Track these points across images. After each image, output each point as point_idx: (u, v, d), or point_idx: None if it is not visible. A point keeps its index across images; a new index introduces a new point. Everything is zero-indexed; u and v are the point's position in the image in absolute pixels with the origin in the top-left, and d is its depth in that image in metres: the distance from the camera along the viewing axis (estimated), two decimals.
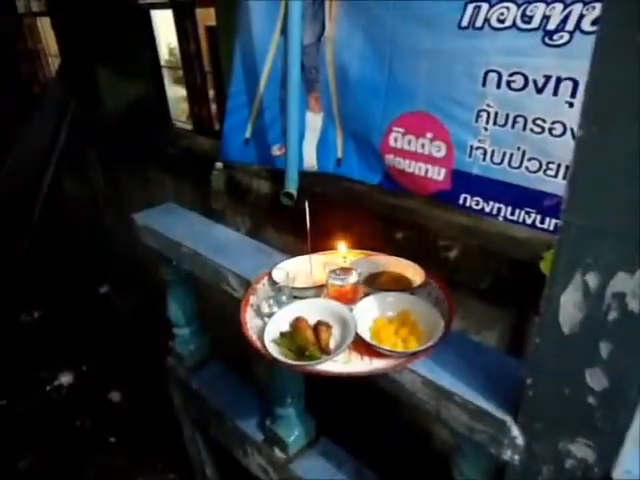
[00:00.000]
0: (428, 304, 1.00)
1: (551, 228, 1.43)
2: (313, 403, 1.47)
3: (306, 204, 1.10)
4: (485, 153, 1.50)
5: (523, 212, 1.48)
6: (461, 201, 1.61)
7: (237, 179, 2.29)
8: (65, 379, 3.12)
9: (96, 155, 3.59)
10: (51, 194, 3.71)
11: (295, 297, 1.09)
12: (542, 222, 1.45)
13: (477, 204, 1.56)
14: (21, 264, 3.64)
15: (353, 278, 1.02)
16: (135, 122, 3.18)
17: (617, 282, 0.58)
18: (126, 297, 3.86)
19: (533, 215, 1.46)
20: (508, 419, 0.79)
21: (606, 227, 0.58)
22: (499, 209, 1.53)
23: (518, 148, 1.42)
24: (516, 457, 0.80)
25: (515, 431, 0.79)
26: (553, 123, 1.29)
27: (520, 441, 0.79)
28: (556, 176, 1.38)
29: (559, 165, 1.37)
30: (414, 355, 0.88)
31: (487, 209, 1.56)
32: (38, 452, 2.60)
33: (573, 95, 1.23)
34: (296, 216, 1.34)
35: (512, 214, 1.50)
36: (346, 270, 1.05)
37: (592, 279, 0.60)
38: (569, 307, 0.64)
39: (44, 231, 3.82)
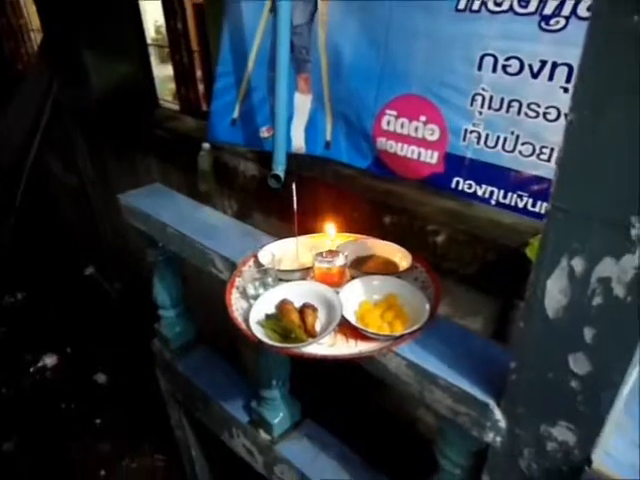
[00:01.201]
0: (414, 288, 1.00)
1: (542, 212, 1.44)
2: (299, 385, 1.47)
3: (293, 186, 1.09)
4: (479, 137, 1.50)
5: (515, 196, 1.48)
6: (454, 185, 1.61)
7: (224, 161, 2.26)
8: (49, 361, 3.09)
9: (81, 135, 3.51)
10: (35, 176, 3.63)
11: (281, 280, 1.09)
12: (534, 206, 1.46)
13: (470, 188, 1.56)
14: (4, 245, 3.58)
15: (340, 261, 1.01)
16: (120, 101, 3.12)
17: (603, 267, 0.58)
18: (112, 279, 3.82)
19: (525, 199, 1.46)
20: (491, 402, 0.79)
21: (594, 212, 0.57)
22: (491, 193, 1.53)
23: (512, 132, 1.42)
24: (498, 439, 0.81)
25: (498, 414, 0.79)
26: (547, 108, 1.30)
27: (502, 424, 0.79)
28: (549, 160, 1.39)
29: (552, 149, 1.37)
30: (400, 338, 0.88)
31: (479, 193, 1.56)
32: (22, 434, 2.59)
33: (568, 80, 1.23)
34: (284, 199, 1.33)
35: (504, 198, 1.51)
36: (333, 253, 1.04)
37: (578, 264, 0.60)
38: (554, 292, 0.64)
39: (28, 213, 3.76)
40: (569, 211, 0.60)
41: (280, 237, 1.25)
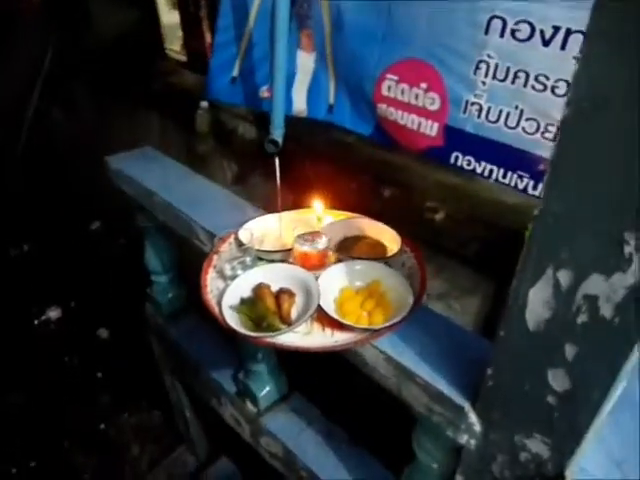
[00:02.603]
0: (399, 276, 0.94)
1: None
2: (287, 358, 1.45)
3: (276, 161, 1.02)
4: (480, 110, 1.39)
5: (516, 176, 1.39)
6: (452, 159, 1.52)
7: (223, 121, 2.18)
8: (53, 314, 3.13)
9: (84, 87, 3.41)
10: (38, 127, 3.57)
11: (263, 260, 1.04)
12: (535, 188, 1.37)
13: (468, 164, 1.47)
14: (8, 196, 3.57)
15: (322, 244, 0.96)
16: (123, 50, 2.99)
17: (590, 284, 0.52)
18: (117, 234, 3.81)
19: (526, 180, 1.37)
20: (466, 405, 0.75)
21: (587, 221, 0.51)
22: (491, 171, 1.44)
23: (516, 107, 1.32)
24: (472, 442, 0.78)
25: (473, 418, 0.75)
26: (557, 81, 1.18)
27: (477, 428, 0.76)
28: (555, 140, 1.29)
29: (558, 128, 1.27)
30: (377, 332, 0.84)
31: (478, 170, 1.47)
32: (27, 386, 2.65)
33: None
34: (283, 163, 1.27)
35: (504, 177, 1.42)
36: (315, 234, 0.98)
37: (564, 277, 0.54)
38: (537, 303, 0.58)
39: (32, 165, 3.72)
40: (560, 216, 0.53)
41: (276, 205, 1.19)
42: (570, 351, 0.57)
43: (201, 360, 1.63)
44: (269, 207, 1.81)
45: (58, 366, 2.79)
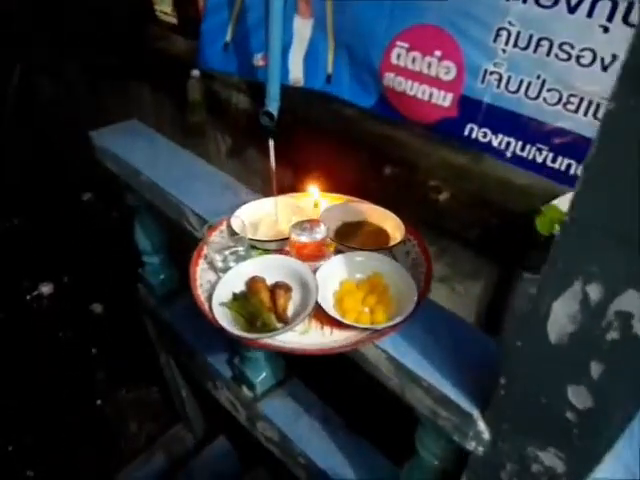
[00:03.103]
0: (403, 270, 0.88)
1: (562, 168, 1.29)
2: None
3: (271, 143, 0.94)
4: (500, 79, 1.31)
5: (534, 149, 1.33)
6: (467, 132, 1.44)
7: (215, 90, 2.06)
8: (45, 289, 3.08)
9: (71, 54, 3.25)
10: (24, 100, 3.42)
11: (256, 248, 0.97)
12: (554, 161, 1.31)
13: (484, 137, 1.40)
14: None
15: (320, 234, 0.89)
16: (109, 13, 2.83)
17: (624, 300, 0.46)
18: (110, 206, 3.72)
19: (544, 153, 1.31)
20: (475, 413, 0.71)
21: (622, 232, 0.44)
22: (508, 144, 1.38)
23: (538, 76, 1.24)
24: (480, 449, 0.73)
25: (481, 426, 0.71)
26: (582, 50, 1.11)
27: (486, 436, 0.71)
28: (576, 111, 1.22)
29: (581, 99, 1.20)
30: (380, 332, 0.78)
31: (494, 143, 1.40)
32: (20, 362, 2.62)
33: (610, 18, 1.03)
34: (280, 136, 1.19)
35: (522, 150, 1.35)
36: (313, 223, 0.92)
37: (595, 291, 0.48)
38: (561, 316, 0.52)
39: (21, 136, 3.59)
40: (591, 226, 0.46)
41: (270, 183, 1.12)
42: (596, 369, 0.52)
43: (196, 344, 1.59)
44: (264, 186, 1.73)
45: (52, 342, 2.76)
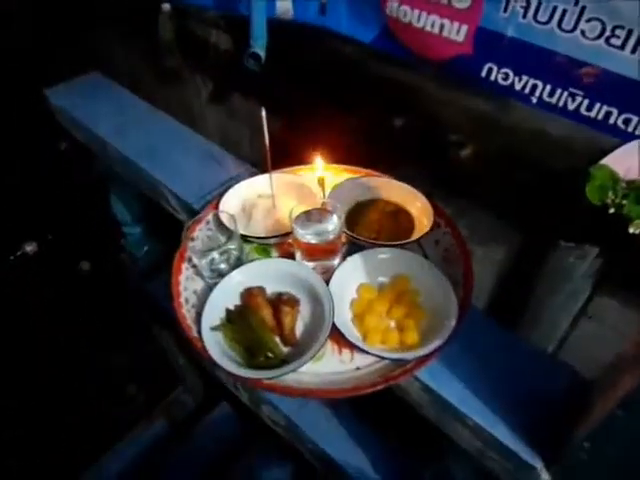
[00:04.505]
0: (436, 270, 0.70)
1: (599, 117, 1.08)
2: None
3: (262, 113, 0.73)
4: (527, 7, 1.06)
5: (566, 94, 1.10)
6: (484, 72, 1.20)
7: (190, 28, 1.77)
8: (29, 248, 2.90)
9: None
10: None
11: (251, 242, 0.79)
12: (589, 109, 1.09)
13: (505, 78, 1.17)
14: None
15: (332, 232, 0.70)
16: None
17: None
18: (91, 154, 3.46)
19: (579, 99, 1.09)
20: (539, 465, 0.57)
21: None
22: (534, 87, 1.14)
23: (575, 3, 0.99)
24: None
25: (544, 476, 0.57)
26: None
27: None
28: (622, 47, 0.98)
29: (629, 32, 0.96)
30: (416, 362, 0.62)
31: (517, 86, 1.17)
32: (8, 325, 2.50)
33: None
34: (267, 79, 0.97)
35: (550, 95, 1.12)
36: (322, 214, 0.73)
37: None
38: None
39: None
40: None
41: (260, 136, 0.92)
42: None
43: None
44: (252, 149, 1.51)
45: (40, 303, 2.63)
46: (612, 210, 0.85)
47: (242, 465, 1.77)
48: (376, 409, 1.22)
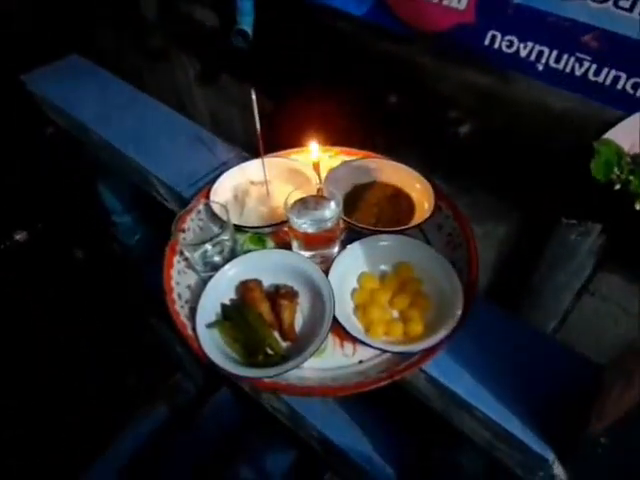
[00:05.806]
0: (441, 257, 0.68)
1: (607, 82, 1.04)
2: None
3: (253, 95, 0.69)
4: None
5: (573, 59, 1.06)
6: (487, 41, 1.16)
7: (174, 4, 1.70)
8: (20, 237, 2.85)
9: None
10: None
11: (245, 231, 0.76)
12: (597, 74, 1.05)
13: (510, 46, 1.12)
14: None
15: (330, 220, 0.66)
16: None
17: None
18: (78, 138, 3.37)
19: (586, 64, 1.05)
20: (550, 457, 0.55)
21: None
22: (540, 54, 1.10)
23: None
24: None
25: (558, 471, 0.55)
26: None
27: (562, 479, 0.56)
28: (631, 9, 0.94)
29: None
30: (422, 355, 0.59)
31: (523, 53, 1.13)
32: (5, 315, 2.47)
33: None
34: (255, 56, 0.92)
35: (557, 61, 1.08)
36: (318, 201, 0.69)
37: None
38: None
39: None
40: None
41: (250, 120, 0.88)
42: None
43: None
44: (247, 133, 1.46)
45: (34, 293, 2.59)
46: (618, 186, 0.82)
47: (244, 450, 1.77)
48: (379, 395, 1.21)
